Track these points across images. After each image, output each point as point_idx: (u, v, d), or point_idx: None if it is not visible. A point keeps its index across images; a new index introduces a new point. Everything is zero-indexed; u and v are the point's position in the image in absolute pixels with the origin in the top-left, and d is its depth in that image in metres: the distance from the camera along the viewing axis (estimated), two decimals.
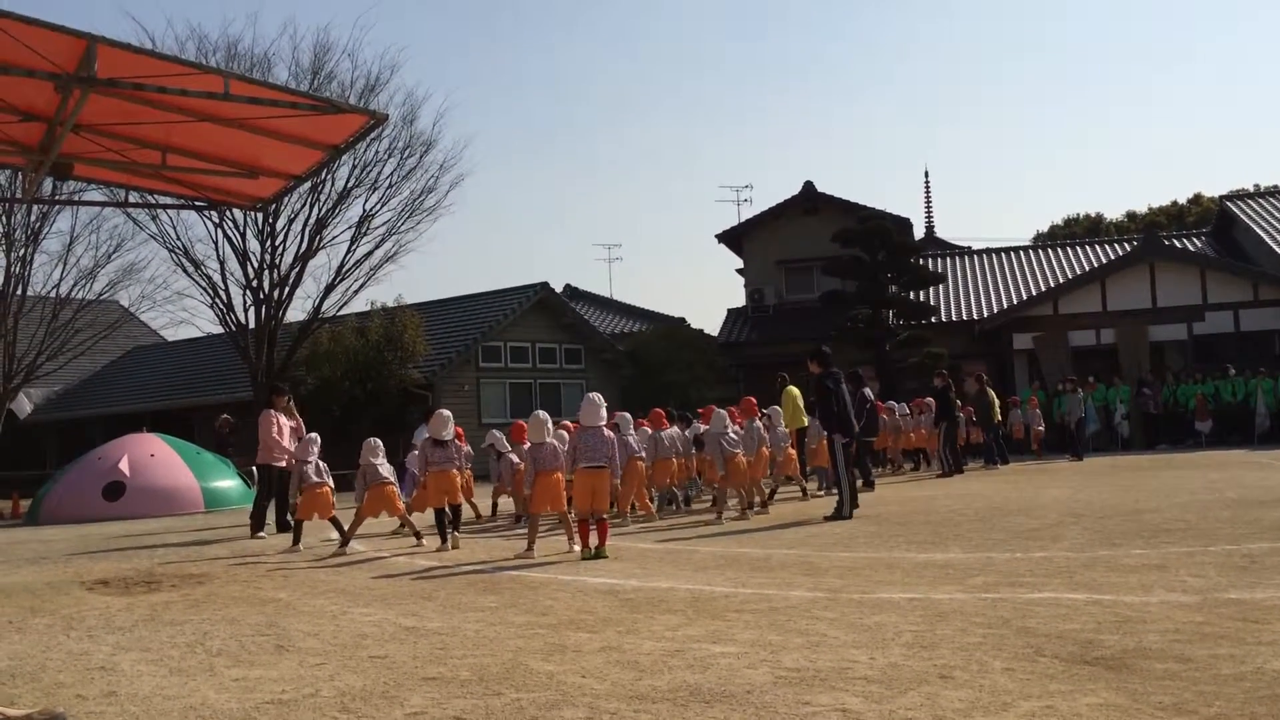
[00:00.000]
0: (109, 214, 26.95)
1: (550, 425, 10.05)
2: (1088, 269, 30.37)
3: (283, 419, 13.20)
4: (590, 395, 9.93)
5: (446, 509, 10.72)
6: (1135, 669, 4.36)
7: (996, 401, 21.03)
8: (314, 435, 12.01)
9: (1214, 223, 34.51)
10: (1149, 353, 27.50)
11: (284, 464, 12.92)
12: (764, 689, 4.33)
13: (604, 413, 9.67)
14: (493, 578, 8.27)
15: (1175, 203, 56.22)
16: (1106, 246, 34.21)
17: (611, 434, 9.79)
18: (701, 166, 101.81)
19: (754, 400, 13.41)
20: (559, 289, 33.56)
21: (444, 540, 10.38)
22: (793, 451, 14.28)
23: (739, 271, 36.59)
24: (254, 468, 13.79)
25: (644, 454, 12.24)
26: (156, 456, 19.34)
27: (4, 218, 25.36)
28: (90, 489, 18.58)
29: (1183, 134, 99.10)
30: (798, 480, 14.95)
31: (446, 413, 10.91)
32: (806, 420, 16.23)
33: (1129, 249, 30.35)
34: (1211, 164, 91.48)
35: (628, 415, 12.50)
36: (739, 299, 36.43)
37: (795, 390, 16.44)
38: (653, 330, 35.27)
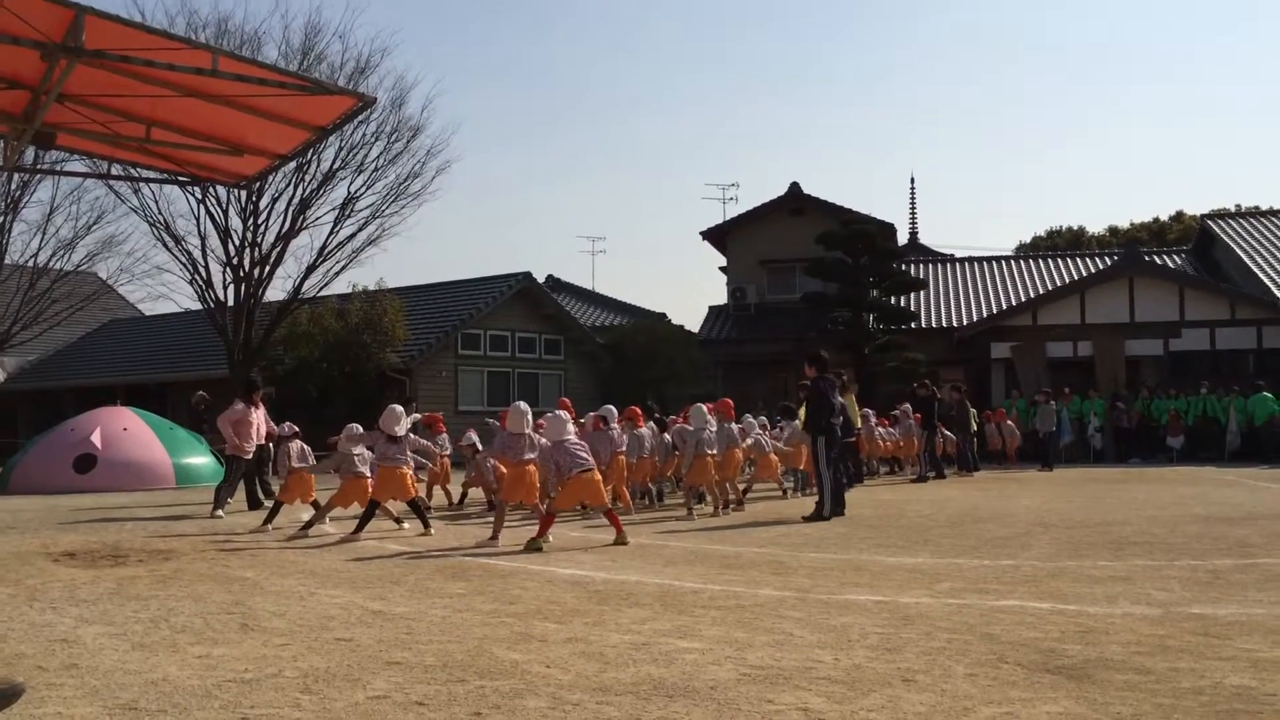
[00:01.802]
0: (90, 185, 26.80)
1: (530, 417, 10.06)
2: (1068, 281, 30.57)
3: (255, 416, 13.62)
4: (518, 405, 10.03)
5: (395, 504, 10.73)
6: (1096, 679, 4.40)
7: (973, 411, 21.21)
8: (288, 425, 12.22)
9: (1194, 241, 34.79)
10: (1125, 367, 27.71)
11: (249, 456, 13.49)
12: (728, 685, 4.35)
13: (530, 420, 9.98)
14: (462, 564, 8.27)
15: (1157, 219, 56.65)
16: (1087, 260, 34.44)
17: (572, 440, 9.80)
18: (688, 163, 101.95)
19: (731, 403, 13.46)
20: (541, 279, 33.52)
21: (358, 529, 10.27)
22: (773, 456, 14.29)
23: (722, 269, 36.64)
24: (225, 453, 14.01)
25: (626, 449, 12.23)
26: (129, 430, 19.23)
27: None
28: (61, 460, 18.46)
29: (1167, 151, 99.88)
30: (776, 481, 14.99)
31: (399, 408, 10.80)
32: (859, 423, 16.93)
33: (1110, 263, 30.55)
34: (1194, 182, 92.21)
35: (612, 408, 12.51)
36: (721, 296, 36.53)
37: (851, 395, 16.96)
38: (633, 324, 35.30)
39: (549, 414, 10.13)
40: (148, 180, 18.76)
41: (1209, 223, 32.94)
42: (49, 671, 4.70)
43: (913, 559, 8.33)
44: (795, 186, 33.77)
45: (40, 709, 4.06)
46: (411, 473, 10.62)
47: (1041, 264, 34.73)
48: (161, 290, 78.07)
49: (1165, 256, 33.48)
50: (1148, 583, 6.92)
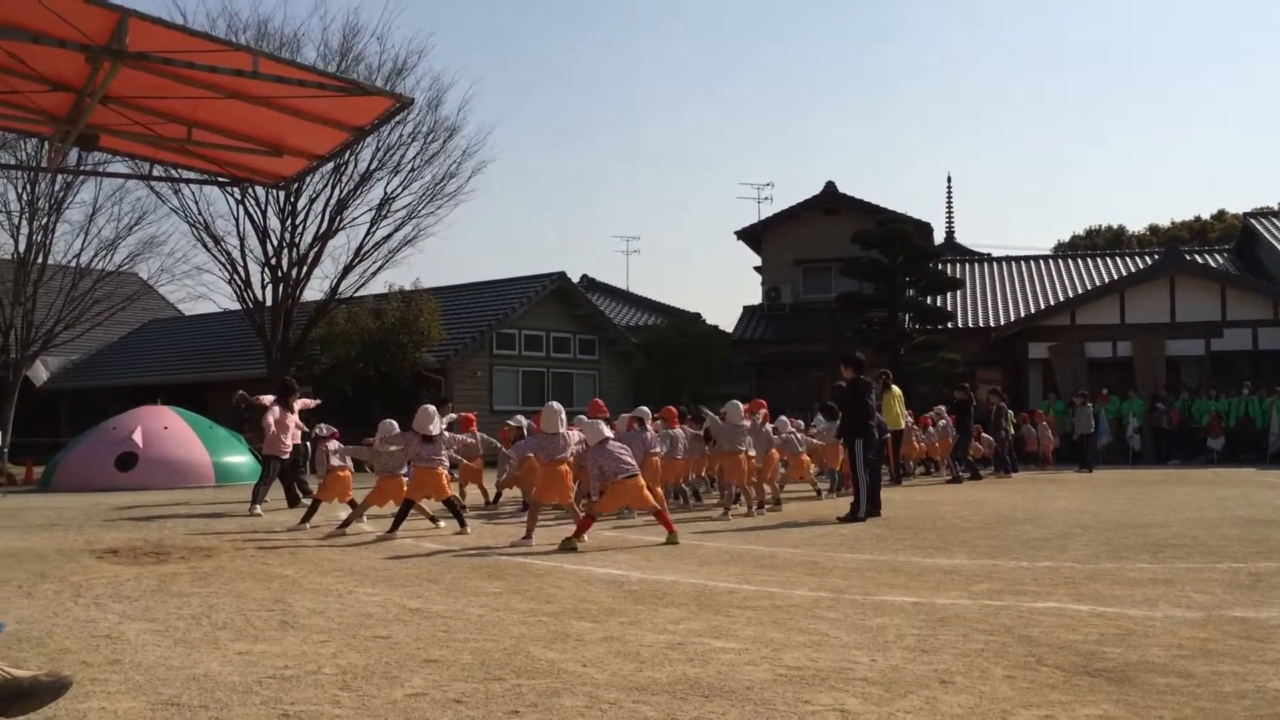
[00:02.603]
0: (132, 186, 27.05)
1: (564, 416, 10.12)
2: (1107, 281, 30.25)
3: (291, 418, 13.77)
4: (552, 405, 10.10)
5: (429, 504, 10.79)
6: (1137, 682, 4.36)
7: (1010, 414, 21.10)
8: (325, 425, 12.35)
9: (1237, 239, 34.32)
10: (1165, 367, 27.39)
11: (286, 456, 13.67)
12: (764, 686, 4.34)
13: (564, 419, 10.09)
14: (498, 563, 8.30)
15: (1198, 218, 55.95)
16: (1127, 259, 34.06)
17: (615, 444, 9.84)
18: (724, 163, 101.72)
19: (764, 403, 13.49)
20: (576, 279, 33.57)
21: (394, 528, 10.31)
22: (805, 457, 14.27)
23: (756, 269, 36.55)
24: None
25: (659, 450, 12.24)
26: (170, 429, 19.46)
27: (29, 186, 25.48)
28: (103, 458, 18.71)
29: (1209, 149, 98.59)
30: (809, 482, 14.97)
31: (432, 408, 10.85)
32: (904, 423, 17.35)
33: (1150, 262, 30.22)
34: (1236, 180, 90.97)
35: (646, 409, 12.53)
36: (755, 296, 36.42)
37: (898, 391, 17.18)
38: (668, 324, 35.24)
39: (583, 419, 10.19)
40: (188, 181, 18.99)
41: (1252, 221, 32.48)
42: (93, 667, 4.77)
43: (949, 560, 8.28)
44: (831, 186, 33.64)
45: (85, 704, 4.12)
46: (446, 472, 10.68)
47: (1080, 263, 34.39)
48: (201, 290, 79.08)
49: (1207, 255, 33.03)
50: (1188, 585, 6.85)
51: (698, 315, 37.80)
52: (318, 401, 15.02)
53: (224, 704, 4.12)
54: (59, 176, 24.19)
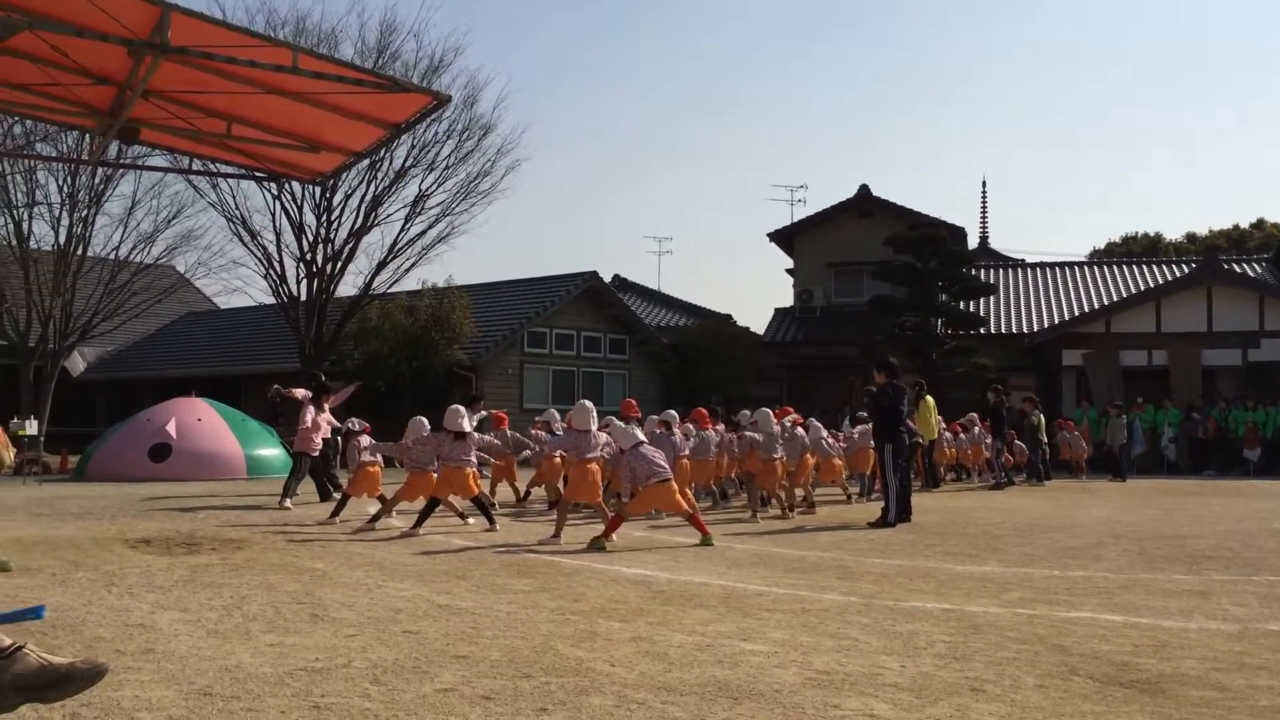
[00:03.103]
0: (170, 180, 27.32)
1: (595, 415, 10.14)
2: (1143, 288, 29.97)
3: (323, 416, 13.94)
4: (583, 403, 10.23)
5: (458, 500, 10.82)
6: (1171, 694, 4.31)
7: (1043, 422, 20.97)
8: (356, 420, 12.42)
9: (1276, 248, 33.92)
10: (1201, 377, 27.10)
11: (317, 453, 13.82)
12: (793, 689, 4.32)
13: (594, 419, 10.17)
14: (527, 561, 8.32)
15: (1237, 226, 55.36)
16: (1164, 267, 33.73)
17: (648, 448, 9.84)
18: (757, 164, 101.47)
19: (791, 409, 13.58)
20: (607, 279, 33.59)
21: (417, 525, 10.31)
22: (837, 461, 14.23)
23: (788, 271, 36.47)
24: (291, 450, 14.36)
25: (688, 452, 12.24)
26: (203, 421, 19.63)
27: (70, 179, 25.79)
28: (137, 449, 18.90)
29: (1247, 157, 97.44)
30: (841, 486, 14.95)
31: (460, 407, 10.88)
32: (937, 432, 17.67)
33: (1187, 270, 29.91)
34: (1276, 188, 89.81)
35: (673, 413, 12.54)
36: (787, 298, 36.34)
37: (931, 400, 17.36)
38: (698, 325, 35.20)
39: (616, 423, 10.20)
40: (226, 175, 19.16)
41: None
42: (126, 655, 4.81)
43: (980, 567, 8.22)
44: (864, 188, 33.52)
45: (119, 692, 4.16)
46: (475, 471, 10.71)
47: (1116, 270, 34.09)
48: (237, 284, 79.53)
49: (1245, 264, 32.65)
50: (1224, 598, 6.77)
51: (729, 316, 37.73)
52: (357, 383, 15.11)
53: (256, 695, 4.15)
54: (99, 169, 24.45)
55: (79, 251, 26.32)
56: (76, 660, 3.44)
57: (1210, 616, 6.09)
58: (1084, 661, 4.88)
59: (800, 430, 13.11)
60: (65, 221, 25.99)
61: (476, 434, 11.19)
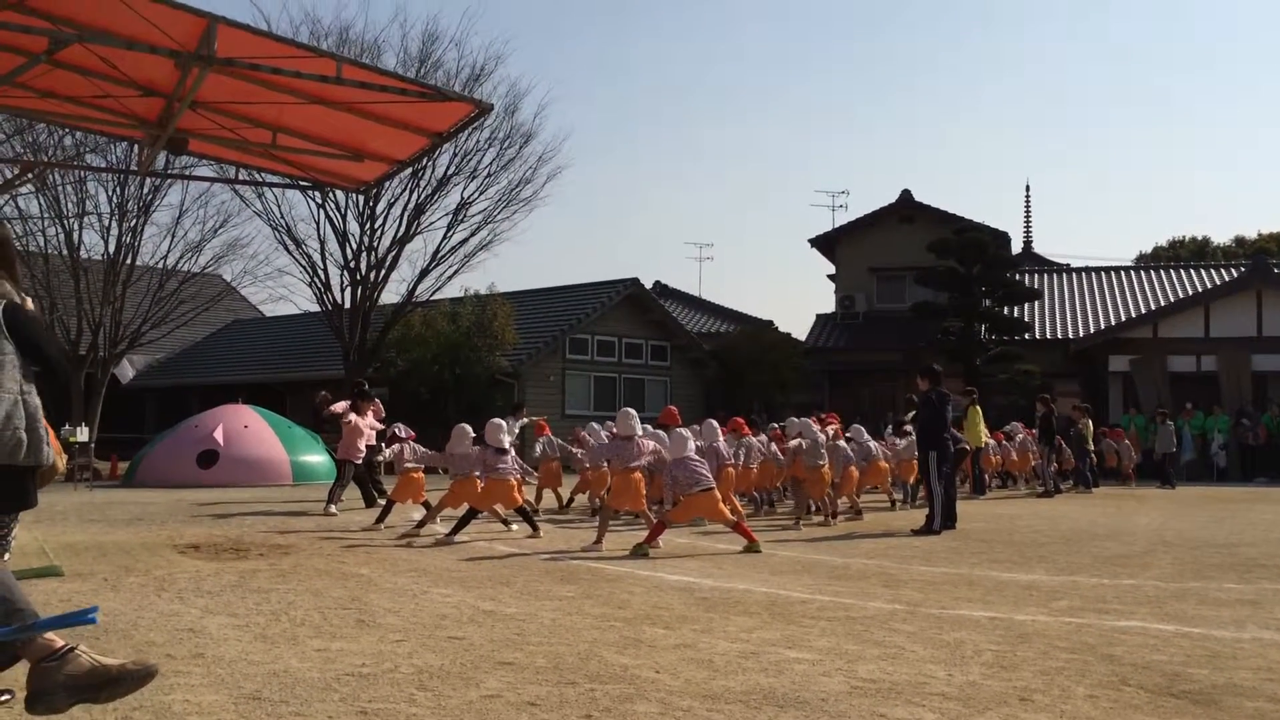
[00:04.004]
0: (217, 190, 27.63)
1: (638, 422, 10.17)
2: (1191, 293, 29.56)
3: (365, 423, 14.00)
4: (627, 410, 10.32)
5: (502, 509, 10.86)
6: (1224, 706, 4.24)
7: (1091, 429, 20.77)
8: (401, 426, 12.48)
9: None
10: (1251, 382, 26.67)
11: (360, 461, 13.85)
12: (839, 698, 4.30)
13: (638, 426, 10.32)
14: (570, 567, 8.33)
15: None
16: (1212, 271, 33.24)
17: (696, 459, 9.83)
18: (798, 170, 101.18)
19: (836, 417, 13.60)
20: (648, 285, 33.62)
21: (454, 533, 10.32)
22: (883, 464, 14.14)
23: (830, 277, 36.34)
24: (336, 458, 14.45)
25: (733, 461, 12.22)
26: (250, 428, 19.84)
27: (119, 189, 26.17)
28: (185, 455, 19.15)
29: None
30: (886, 491, 14.87)
31: (501, 421, 10.97)
32: (984, 441, 17.77)
33: (1236, 275, 29.47)
34: None
35: (714, 422, 12.51)
36: (829, 305, 36.21)
37: (979, 409, 17.50)
38: (740, 331, 35.12)
39: (677, 430, 10.21)
40: (271, 185, 19.35)
41: None
42: (176, 659, 4.87)
43: (1027, 575, 8.14)
44: (906, 193, 33.34)
45: (169, 695, 4.21)
46: (518, 480, 10.75)
47: (1163, 275, 33.64)
48: (282, 292, 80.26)
49: None
50: (1277, 607, 6.65)
51: (770, 322, 37.63)
52: (383, 424, 14.76)
53: (304, 700, 4.18)
54: (147, 180, 24.81)
55: (128, 261, 26.69)
56: (127, 662, 3.48)
57: (1264, 626, 5.99)
58: (1135, 671, 4.82)
59: (843, 442, 13.04)
60: (114, 231, 26.37)
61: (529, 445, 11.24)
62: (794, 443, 12.55)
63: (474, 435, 10.95)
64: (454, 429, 11.12)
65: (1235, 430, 25.24)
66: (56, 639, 3.38)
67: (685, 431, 10.24)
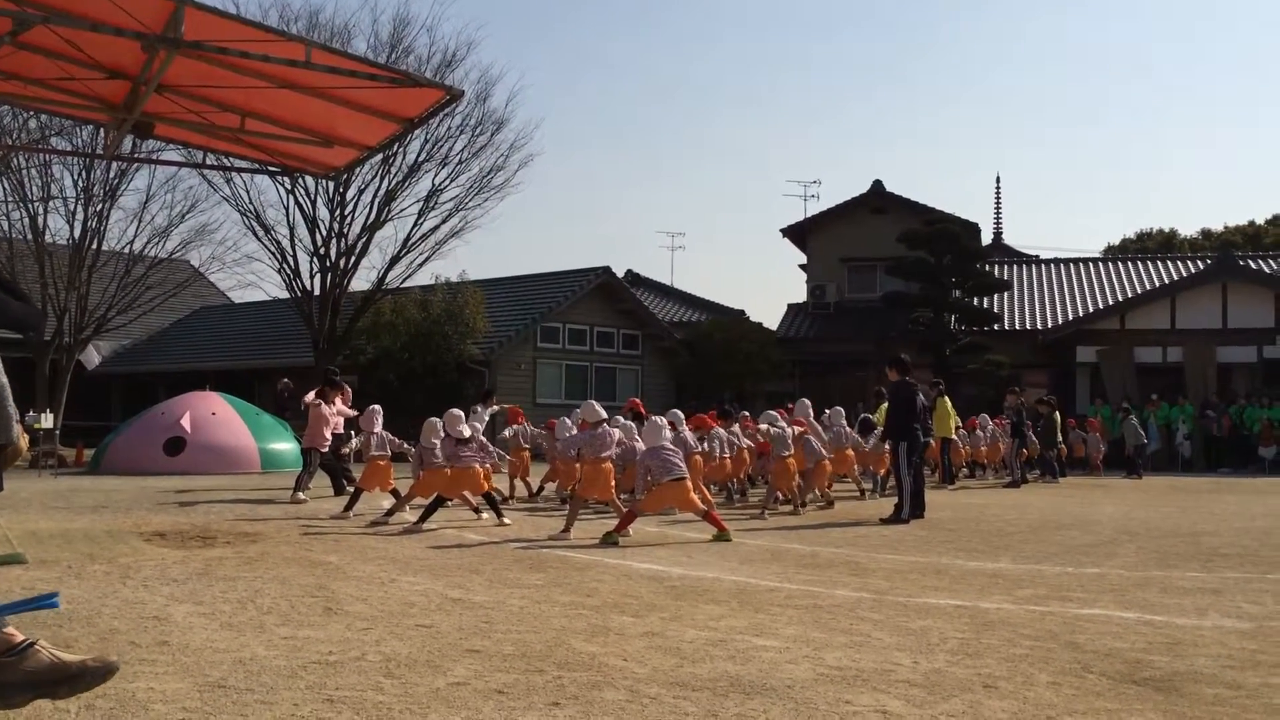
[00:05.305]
0: (185, 174, 27.38)
1: (603, 409, 10.21)
2: (1158, 285, 29.86)
3: (332, 411, 14.00)
4: (590, 403, 10.35)
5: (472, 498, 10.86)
6: (1184, 692, 4.29)
7: (1059, 421, 20.98)
8: (376, 407, 12.41)
9: None
10: (1216, 374, 26.99)
11: (326, 449, 13.86)
12: (805, 685, 4.32)
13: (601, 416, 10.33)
14: (539, 556, 8.33)
15: (1252, 222, 54.99)
16: (1179, 263, 33.59)
17: (669, 449, 9.84)
18: (770, 160, 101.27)
19: (809, 402, 13.74)
20: (620, 274, 33.59)
21: (421, 520, 10.28)
22: (850, 452, 14.22)
23: (802, 267, 36.44)
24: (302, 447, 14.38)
25: (700, 451, 12.27)
26: (217, 415, 19.70)
27: (84, 173, 25.87)
28: (152, 443, 18.99)
29: (1263, 153, 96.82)
30: (855, 481, 14.94)
31: (457, 411, 10.94)
32: (953, 431, 18.05)
33: (1202, 267, 29.78)
34: None
35: (679, 412, 12.57)
36: (800, 294, 36.34)
37: (948, 401, 17.65)
38: (712, 321, 35.18)
39: (654, 419, 10.25)
40: (240, 170, 19.19)
41: None
42: (141, 648, 4.84)
43: (993, 564, 8.21)
44: (878, 184, 33.46)
45: (133, 684, 4.18)
46: (485, 468, 10.74)
47: (1131, 267, 33.97)
48: (250, 279, 79.52)
49: (1261, 261, 32.48)
50: (1239, 595, 6.74)
51: (741, 312, 37.71)
52: (354, 413, 14.66)
53: (270, 687, 4.17)
54: (114, 164, 24.53)
55: (94, 246, 26.39)
56: (88, 658, 3.45)
57: (1225, 614, 6.07)
58: (1097, 659, 4.87)
59: (813, 437, 13.08)
60: (80, 216, 26.06)
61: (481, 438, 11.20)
62: (763, 426, 12.66)
63: (444, 432, 10.92)
64: (425, 423, 11.09)
65: (1200, 421, 25.52)
66: (17, 634, 3.34)
67: (660, 419, 10.27)
